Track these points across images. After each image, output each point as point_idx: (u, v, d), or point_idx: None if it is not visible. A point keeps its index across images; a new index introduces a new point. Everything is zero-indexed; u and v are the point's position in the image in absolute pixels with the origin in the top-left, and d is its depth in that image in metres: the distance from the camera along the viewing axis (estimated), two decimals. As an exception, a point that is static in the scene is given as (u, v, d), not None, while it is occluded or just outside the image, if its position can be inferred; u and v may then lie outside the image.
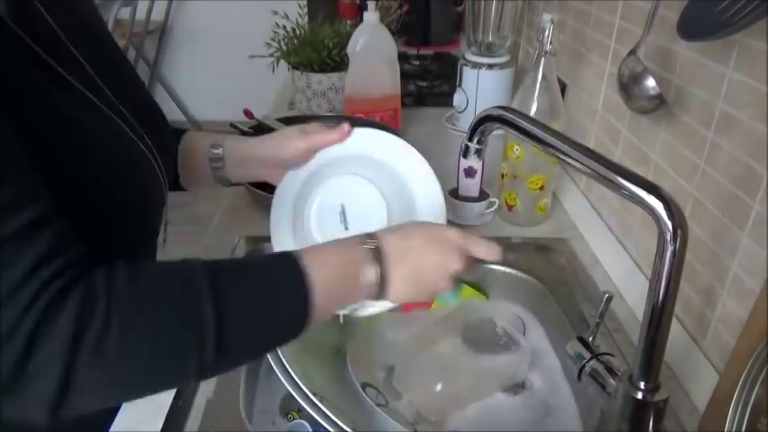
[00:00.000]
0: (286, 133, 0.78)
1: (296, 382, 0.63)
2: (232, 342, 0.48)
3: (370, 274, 0.56)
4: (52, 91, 0.52)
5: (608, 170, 0.48)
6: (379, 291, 0.57)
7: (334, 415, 0.60)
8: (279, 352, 0.65)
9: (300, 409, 0.62)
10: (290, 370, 0.64)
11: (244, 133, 1.10)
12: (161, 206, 0.69)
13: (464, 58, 1.40)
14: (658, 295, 0.46)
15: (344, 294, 0.56)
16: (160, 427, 0.64)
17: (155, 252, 0.73)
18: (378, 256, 0.56)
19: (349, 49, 1.31)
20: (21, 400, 0.43)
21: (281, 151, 0.77)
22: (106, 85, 0.60)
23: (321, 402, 0.61)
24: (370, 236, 0.58)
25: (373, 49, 1.30)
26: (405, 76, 1.76)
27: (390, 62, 1.33)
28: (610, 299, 0.59)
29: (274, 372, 0.64)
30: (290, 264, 0.53)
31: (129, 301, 0.45)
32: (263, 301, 0.51)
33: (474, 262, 0.60)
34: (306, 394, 0.62)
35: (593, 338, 0.61)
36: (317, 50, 1.41)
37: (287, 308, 0.53)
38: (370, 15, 1.28)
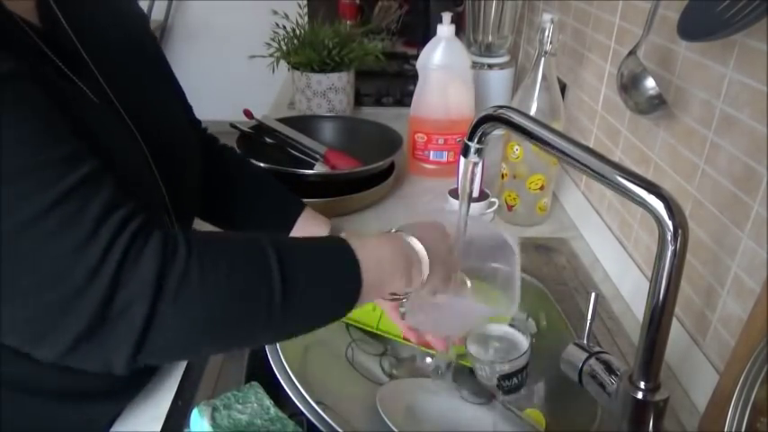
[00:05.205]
0: None
1: (295, 386, 0.63)
2: (296, 297, 0.50)
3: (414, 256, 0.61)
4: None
5: (608, 169, 0.47)
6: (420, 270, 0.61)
7: (331, 418, 0.60)
8: (280, 354, 0.65)
9: (301, 413, 0.62)
10: (289, 372, 0.64)
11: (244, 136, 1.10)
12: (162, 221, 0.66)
13: (464, 58, 1.40)
14: (658, 295, 0.46)
15: (388, 270, 0.59)
16: (160, 427, 0.64)
17: None
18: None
19: (418, 64, 1.21)
20: (103, 343, 0.43)
21: None
22: (120, 102, 0.60)
23: (318, 406, 0.61)
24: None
25: (447, 66, 1.18)
26: (404, 76, 1.77)
27: (465, 80, 1.21)
28: (597, 298, 0.59)
29: (275, 373, 0.64)
30: (338, 240, 0.57)
31: (206, 252, 0.47)
32: (320, 263, 0.54)
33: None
34: (304, 397, 0.62)
35: (588, 339, 0.61)
36: (316, 50, 1.41)
37: (341, 269, 0.55)
38: (444, 28, 1.17)
